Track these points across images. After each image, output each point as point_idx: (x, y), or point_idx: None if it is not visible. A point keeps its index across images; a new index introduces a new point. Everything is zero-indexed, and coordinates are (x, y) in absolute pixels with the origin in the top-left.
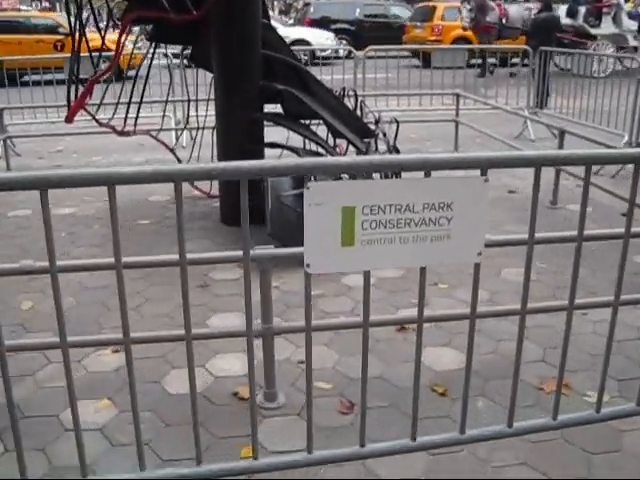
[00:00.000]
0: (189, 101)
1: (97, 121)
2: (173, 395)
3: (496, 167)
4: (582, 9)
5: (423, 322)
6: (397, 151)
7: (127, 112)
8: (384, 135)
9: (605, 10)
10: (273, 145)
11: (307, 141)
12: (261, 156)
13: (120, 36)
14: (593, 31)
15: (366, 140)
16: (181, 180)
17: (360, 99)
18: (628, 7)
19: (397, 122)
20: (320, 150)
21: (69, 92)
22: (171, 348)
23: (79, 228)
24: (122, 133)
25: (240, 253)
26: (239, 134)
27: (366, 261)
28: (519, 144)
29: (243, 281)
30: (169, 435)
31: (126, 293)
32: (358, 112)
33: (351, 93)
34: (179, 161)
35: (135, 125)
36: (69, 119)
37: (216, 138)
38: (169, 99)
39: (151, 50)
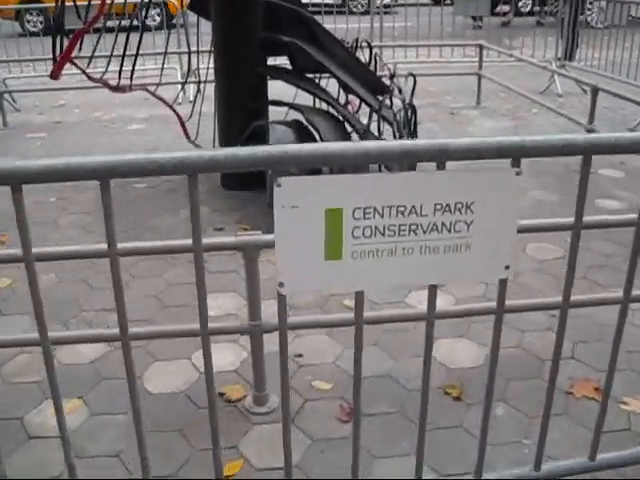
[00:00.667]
0: (189, 53)
1: (88, 76)
2: (153, 394)
3: (531, 156)
4: None
5: (435, 318)
6: (413, 109)
7: (121, 65)
8: (400, 91)
9: None
10: (277, 103)
11: (317, 99)
12: (265, 115)
13: None
14: None
15: (380, 97)
16: (107, 177)
17: (375, 51)
18: None
19: (414, 77)
20: (331, 110)
21: (54, 45)
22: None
23: (70, 192)
24: (117, 89)
25: (215, 239)
26: (240, 91)
27: (358, 279)
28: (545, 100)
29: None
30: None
31: None
32: (372, 66)
33: (364, 44)
34: (179, 118)
35: (131, 80)
36: (55, 74)
37: (216, 95)
38: (174, 51)
39: None
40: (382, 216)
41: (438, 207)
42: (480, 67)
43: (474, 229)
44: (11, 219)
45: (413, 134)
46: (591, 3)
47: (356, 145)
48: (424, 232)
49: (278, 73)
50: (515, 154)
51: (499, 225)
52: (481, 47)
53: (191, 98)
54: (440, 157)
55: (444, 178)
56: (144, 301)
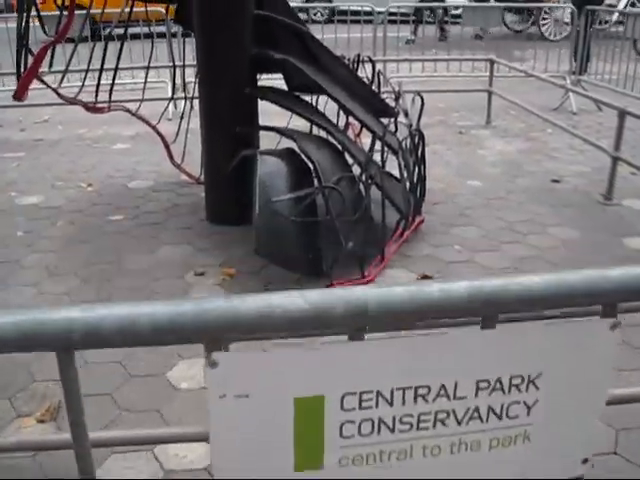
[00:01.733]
0: (174, 67)
1: (59, 94)
2: None
3: (636, 300)
4: None
5: None
6: (421, 135)
7: (99, 81)
8: (406, 115)
9: None
10: (268, 128)
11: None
12: (254, 141)
13: None
14: None
15: (383, 119)
16: None
17: (378, 69)
18: None
19: (422, 98)
20: (330, 139)
21: (19, 62)
22: (116, 415)
23: (40, 224)
24: (94, 109)
25: None
26: (226, 113)
27: None
28: (559, 118)
29: None
30: None
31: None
32: (375, 84)
33: (366, 60)
34: (162, 139)
35: (110, 97)
36: (19, 95)
37: (201, 119)
38: (157, 64)
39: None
40: (391, 404)
41: (483, 385)
42: (490, 83)
43: (538, 412)
44: None
45: (420, 163)
46: (546, 13)
47: (338, 296)
48: (459, 423)
49: (269, 95)
50: (609, 298)
51: (578, 403)
52: (492, 62)
53: (181, 115)
54: (488, 310)
55: (494, 340)
56: (106, 368)
